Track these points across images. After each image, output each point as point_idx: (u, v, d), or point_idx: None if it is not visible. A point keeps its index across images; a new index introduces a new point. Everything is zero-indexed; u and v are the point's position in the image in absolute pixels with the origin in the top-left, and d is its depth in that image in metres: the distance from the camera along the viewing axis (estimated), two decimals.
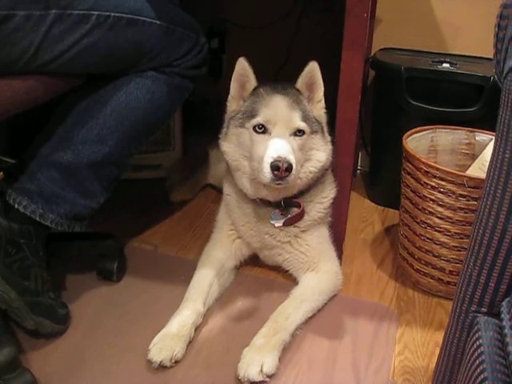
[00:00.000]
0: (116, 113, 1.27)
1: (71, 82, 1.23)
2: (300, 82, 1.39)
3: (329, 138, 1.42)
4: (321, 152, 1.39)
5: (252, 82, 1.41)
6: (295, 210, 1.43)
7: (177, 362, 1.24)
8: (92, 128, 1.26)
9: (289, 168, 1.24)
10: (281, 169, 1.23)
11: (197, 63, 1.36)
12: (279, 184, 1.27)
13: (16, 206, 1.22)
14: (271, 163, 1.24)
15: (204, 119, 2.11)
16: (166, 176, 2.07)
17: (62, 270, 1.50)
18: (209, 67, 2.31)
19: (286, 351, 1.29)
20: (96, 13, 1.13)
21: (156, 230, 1.81)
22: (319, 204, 1.48)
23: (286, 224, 1.42)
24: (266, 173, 1.25)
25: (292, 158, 1.26)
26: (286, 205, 1.42)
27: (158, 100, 1.32)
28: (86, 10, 1.11)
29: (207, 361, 1.27)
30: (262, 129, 1.32)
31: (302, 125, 1.33)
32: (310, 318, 1.40)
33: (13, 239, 1.21)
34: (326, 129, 1.41)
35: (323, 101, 1.40)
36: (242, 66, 1.39)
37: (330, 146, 1.41)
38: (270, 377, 1.21)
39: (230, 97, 1.43)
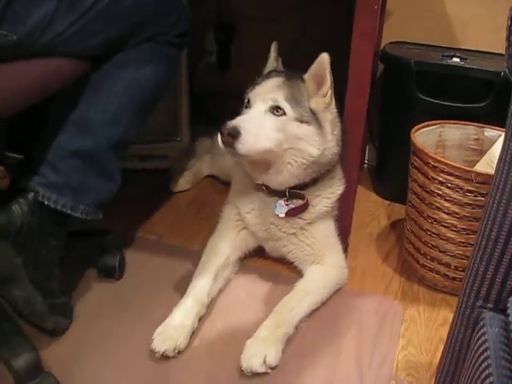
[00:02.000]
0: (128, 90, 1.26)
1: (82, 66, 1.21)
2: (308, 73, 1.37)
3: (329, 137, 1.37)
4: (313, 147, 1.35)
5: (269, 64, 1.47)
6: (299, 202, 1.42)
7: (180, 352, 1.24)
8: (107, 110, 1.25)
9: (233, 134, 1.23)
10: (223, 133, 1.24)
11: (183, 31, 1.36)
12: (231, 152, 1.27)
13: (46, 202, 1.19)
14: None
15: (212, 110, 2.11)
16: (170, 166, 2.06)
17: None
18: (217, 58, 2.32)
19: (290, 343, 1.29)
20: None
21: (161, 220, 1.81)
22: (326, 199, 1.47)
23: (288, 214, 1.42)
24: (219, 138, 1.26)
25: (244, 126, 1.25)
26: (291, 196, 1.42)
27: (161, 71, 1.32)
28: None
29: (210, 352, 1.27)
30: (248, 104, 1.35)
31: (282, 103, 1.31)
32: (315, 310, 1.40)
33: (45, 241, 1.20)
34: (327, 126, 1.37)
35: (328, 96, 1.36)
36: (272, 48, 1.48)
37: (328, 144, 1.37)
38: (272, 368, 1.21)
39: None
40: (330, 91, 1.36)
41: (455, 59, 1.81)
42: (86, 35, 1.16)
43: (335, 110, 1.40)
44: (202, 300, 1.36)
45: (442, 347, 1.04)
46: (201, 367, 1.23)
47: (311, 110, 1.35)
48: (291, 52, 2.19)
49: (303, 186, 1.42)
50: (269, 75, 1.42)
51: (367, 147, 2.25)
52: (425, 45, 1.98)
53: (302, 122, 1.33)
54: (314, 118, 1.35)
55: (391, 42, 2.01)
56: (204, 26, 2.26)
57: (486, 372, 0.75)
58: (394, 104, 1.93)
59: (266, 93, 1.33)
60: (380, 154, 2.11)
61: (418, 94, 1.79)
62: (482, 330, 0.84)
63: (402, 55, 1.85)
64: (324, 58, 1.33)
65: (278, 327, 1.28)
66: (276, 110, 1.31)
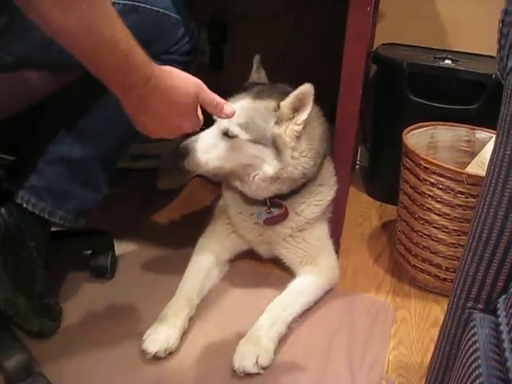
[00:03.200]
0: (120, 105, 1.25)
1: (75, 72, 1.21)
2: (287, 101, 1.31)
3: (288, 161, 1.32)
4: (267, 165, 1.32)
5: (251, 77, 1.47)
6: (277, 211, 1.42)
7: (171, 353, 1.24)
8: (99, 121, 1.24)
9: (183, 153, 1.31)
10: (178, 151, 1.32)
11: (189, 49, 1.36)
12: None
13: (25, 205, 1.19)
14: None
15: (205, 110, 2.10)
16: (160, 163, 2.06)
17: (52, 267, 1.45)
18: (210, 58, 2.32)
19: (282, 344, 1.29)
20: None
21: (153, 220, 1.81)
22: (314, 206, 1.46)
23: (266, 223, 1.43)
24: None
25: (194, 146, 1.30)
26: (272, 204, 1.42)
27: None
28: None
29: (201, 352, 1.27)
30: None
31: (234, 129, 1.28)
32: (307, 310, 1.40)
33: (24, 242, 1.19)
34: (286, 151, 1.32)
35: (301, 126, 1.31)
36: (254, 61, 1.49)
37: (282, 166, 1.32)
38: (265, 369, 1.21)
39: None
40: (303, 121, 1.31)
41: (447, 61, 1.82)
42: None
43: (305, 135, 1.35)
44: (193, 300, 1.37)
45: (432, 348, 1.05)
46: (192, 368, 1.23)
47: (272, 135, 1.31)
48: (285, 52, 2.20)
49: (284, 196, 1.41)
50: (243, 91, 1.38)
51: (359, 148, 2.25)
52: (417, 46, 1.99)
53: (256, 143, 1.31)
54: (271, 142, 1.31)
55: (384, 44, 2.02)
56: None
57: (476, 372, 0.75)
58: (386, 105, 1.94)
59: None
60: (372, 155, 2.12)
61: (410, 96, 1.80)
62: (472, 331, 0.84)
63: (394, 57, 1.86)
64: (308, 89, 1.28)
65: (271, 327, 1.28)
66: (227, 133, 1.30)
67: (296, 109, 1.31)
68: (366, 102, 1.91)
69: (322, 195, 1.48)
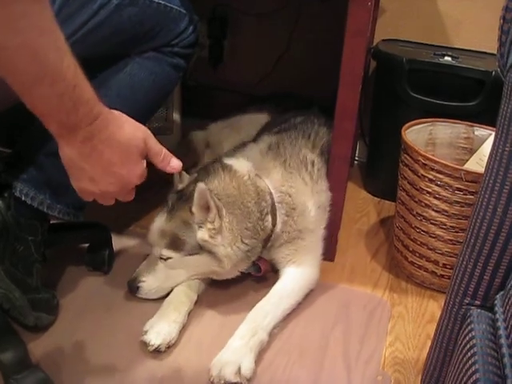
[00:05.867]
0: (121, 95, 1.24)
1: None
2: (195, 205, 1.28)
3: (225, 254, 1.30)
4: (217, 267, 1.33)
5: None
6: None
7: (169, 347, 1.25)
8: None
9: (132, 288, 1.38)
10: (128, 286, 1.39)
11: (192, 41, 1.35)
12: None
13: (23, 198, 1.17)
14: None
15: (203, 104, 2.10)
16: None
17: (49, 260, 1.40)
18: (210, 53, 2.31)
19: (277, 339, 1.30)
20: None
21: (151, 214, 1.79)
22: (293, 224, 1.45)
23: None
24: None
25: (141, 279, 1.37)
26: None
27: (160, 80, 1.30)
28: None
29: (198, 345, 1.28)
30: None
31: (165, 252, 1.33)
32: (301, 305, 1.40)
33: (22, 236, 1.18)
34: (219, 251, 1.30)
35: (216, 222, 1.28)
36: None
37: (225, 260, 1.31)
38: (248, 380, 1.17)
39: None
40: (217, 217, 1.28)
41: (447, 58, 1.82)
42: (84, 46, 1.14)
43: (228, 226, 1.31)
44: (192, 296, 1.37)
45: (429, 344, 1.05)
46: (189, 360, 1.23)
47: (198, 242, 1.29)
48: (285, 48, 2.20)
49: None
50: (164, 208, 1.41)
51: (358, 144, 2.25)
52: (417, 43, 1.99)
53: (190, 255, 1.32)
54: (201, 248, 1.30)
55: (384, 40, 2.02)
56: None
57: (473, 368, 0.76)
58: (385, 101, 1.93)
59: (154, 240, 1.36)
60: (371, 151, 2.12)
61: (409, 92, 1.80)
62: (469, 327, 0.84)
63: (394, 53, 1.85)
64: (201, 189, 1.25)
65: (252, 336, 1.24)
66: (162, 257, 1.34)
67: (205, 209, 1.28)
68: (365, 97, 1.91)
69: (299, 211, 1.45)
